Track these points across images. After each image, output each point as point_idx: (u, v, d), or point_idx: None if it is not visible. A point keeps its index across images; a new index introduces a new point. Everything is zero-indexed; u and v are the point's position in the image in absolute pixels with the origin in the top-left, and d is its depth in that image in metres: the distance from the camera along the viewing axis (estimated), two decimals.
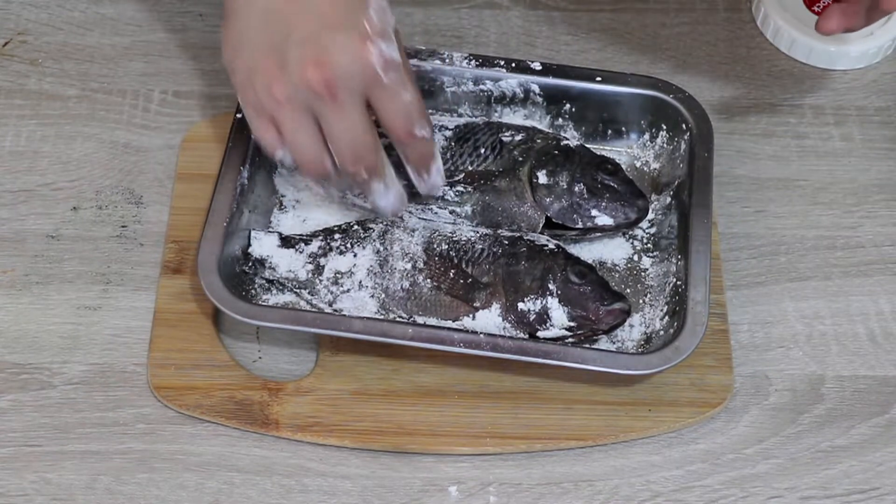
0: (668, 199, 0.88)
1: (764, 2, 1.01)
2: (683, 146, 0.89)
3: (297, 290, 0.84)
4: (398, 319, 0.82)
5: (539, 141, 0.87)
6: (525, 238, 0.83)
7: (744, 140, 0.95)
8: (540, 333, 0.81)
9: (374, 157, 0.79)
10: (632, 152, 0.92)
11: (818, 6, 1.00)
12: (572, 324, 0.81)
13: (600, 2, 1.03)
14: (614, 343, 0.83)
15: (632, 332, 0.84)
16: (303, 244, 0.84)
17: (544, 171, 0.85)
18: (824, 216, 0.92)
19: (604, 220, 0.85)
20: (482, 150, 0.87)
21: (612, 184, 0.86)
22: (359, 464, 0.80)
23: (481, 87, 0.91)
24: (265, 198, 0.87)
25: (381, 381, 0.82)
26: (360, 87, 0.76)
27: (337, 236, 0.84)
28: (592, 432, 0.80)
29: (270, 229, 0.87)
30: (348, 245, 0.84)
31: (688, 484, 0.80)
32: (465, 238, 0.83)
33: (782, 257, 0.89)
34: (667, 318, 0.82)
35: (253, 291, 0.84)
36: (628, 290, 0.86)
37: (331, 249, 0.84)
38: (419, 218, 0.86)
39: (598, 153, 0.88)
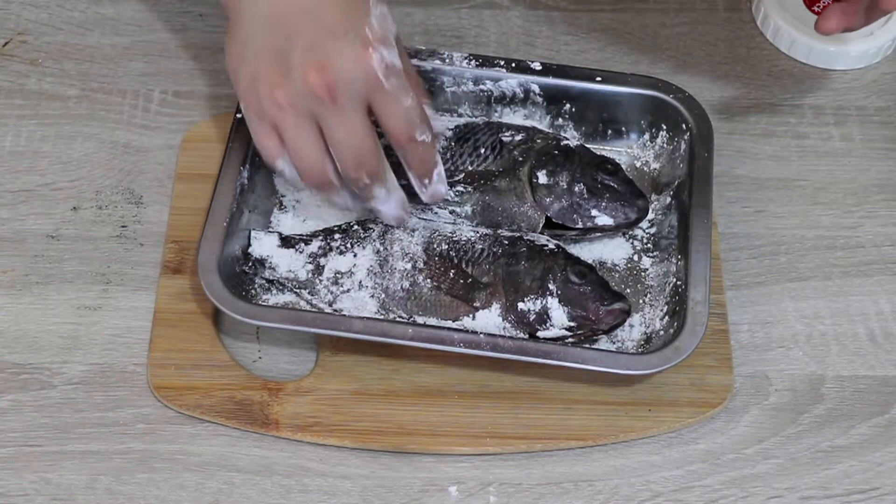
0: (668, 199, 0.88)
1: (764, 2, 1.01)
2: (683, 146, 0.89)
3: (297, 290, 0.84)
4: (398, 319, 0.82)
5: (539, 141, 0.87)
6: (525, 238, 0.83)
7: (744, 140, 0.95)
8: (540, 333, 0.81)
9: (376, 161, 0.79)
10: (632, 152, 0.92)
11: (818, 6, 1.00)
12: (572, 324, 0.81)
13: (600, 2, 1.03)
14: (614, 343, 0.83)
15: (632, 332, 0.84)
16: (303, 244, 0.84)
17: (544, 171, 0.85)
18: (824, 216, 0.92)
19: (604, 220, 0.85)
20: (482, 150, 0.87)
21: (612, 184, 0.86)
22: (359, 464, 0.80)
23: (481, 87, 0.91)
24: (265, 198, 0.87)
25: (381, 381, 0.82)
26: (361, 92, 0.77)
27: (337, 236, 0.84)
28: (592, 432, 0.80)
29: (270, 229, 0.87)
30: (348, 245, 0.84)
31: (688, 484, 0.80)
32: (465, 238, 0.83)
33: (782, 257, 0.89)
34: (667, 318, 0.82)
35: (253, 291, 0.84)
36: (628, 290, 0.86)
37: (331, 249, 0.84)
38: (419, 218, 0.86)
39: (598, 153, 0.88)
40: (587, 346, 0.82)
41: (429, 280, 0.82)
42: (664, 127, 0.90)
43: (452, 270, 0.82)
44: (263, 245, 0.84)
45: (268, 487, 0.79)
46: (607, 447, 0.81)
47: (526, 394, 0.82)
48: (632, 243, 0.88)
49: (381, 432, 0.80)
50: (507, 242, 0.83)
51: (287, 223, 0.88)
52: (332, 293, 0.83)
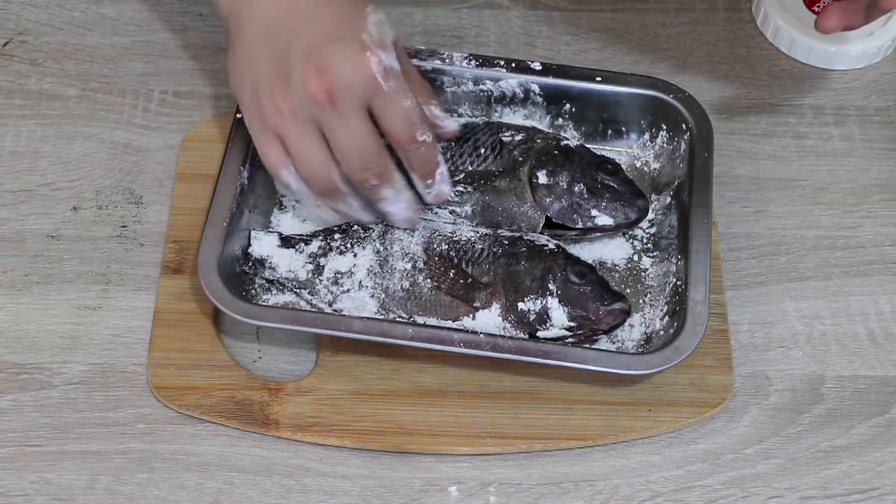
0: (668, 199, 0.88)
1: (764, 2, 1.01)
2: (683, 146, 0.89)
3: (297, 290, 0.84)
4: (398, 319, 0.82)
5: (539, 141, 0.87)
6: (525, 238, 0.83)
7: (744, 140, 0.95)
8: (540, 333, 0.81)
9: (381, 161, 0.80)
10: (632, 152, 0.92)
11: (818, 6, 1.00)
12: (572, 324, 0.81)
13: (600, 2, 1.03)
14: (614, 343, 0.83)
15: (632, 332, 0.84)
16: (303, 244, 0.84)
17: (544, 171, 0.85)
18: (824, 216, 0.92)
19: (604, 220, 0.85)
20: (482, 150, 0.87)
21: (612, 184, 0.86)
22: (359, 464, 0.80)
23: (481, 87, 0.91)
24: (265, 198, 0.87)
25: (381, 381, 0.82)
26: (361, 95, 0.77)
27: (337, 236, 0.84)
28: (592, 432, 0.80)
29: (270, 229, 0.87)
30: (348, 245, 0.84)
31: (688, 484, 0.80)
32: (465, 238, 0.83)
33: (782, 257, 0.89)
34: (667, 318, 0.82)
35: (253, 291, 0.84)
36: (628, 290, 0.86)
37: (331, 249, 0.84)
38: (419, 218, 0.85)
39: (598, 153, 0.88)
40: (587, 346, 0.82)
41: (429, 280, 0.82)
42: (664, 127, 0.90)
43: (452, 270, 0.82)
44: (263, 245, 0.84)
45: (268, 487, 0.79)
46: (607, 447, 0.81)
47: (526, 394, 0.82)
48: (632, 243, 0.88)
49: (381, 432, 0.80)
50: (507, 242, 0.83)
51: (287, 223, 0.88)
52: (332, 293, 0.83)
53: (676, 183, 0.88)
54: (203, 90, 0.96)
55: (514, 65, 0.90)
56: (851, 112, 0.97)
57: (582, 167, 0.86)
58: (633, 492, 0.79)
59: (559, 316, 0.81)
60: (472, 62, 0.91)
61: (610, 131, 0.92)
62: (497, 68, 0.90)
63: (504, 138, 0.87)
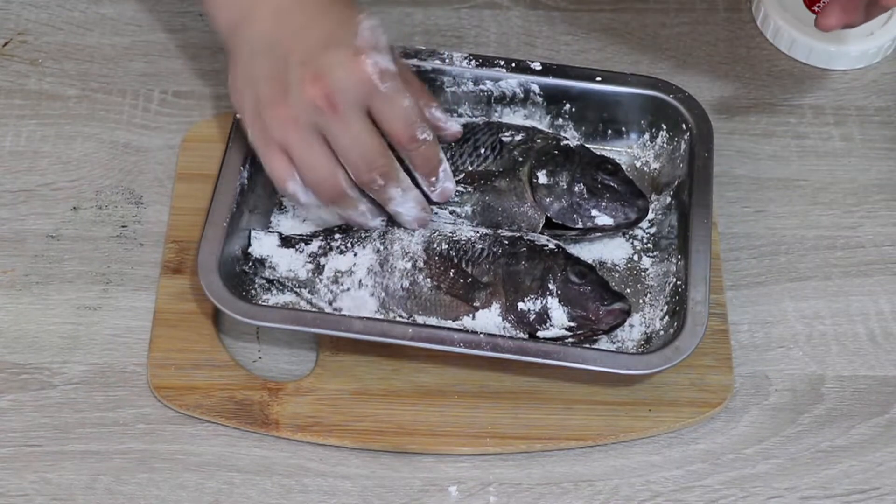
0: (668, 199, 0.88)
1: (764, 2, 1.01)
2: (683, 146, 0.89)
3: (297, 290, 0.84)
4: (398, 319, 0.82)
5: (539, 141, 0.87)
6: (525, 238, 0.83)
7: (744, 140, 0.95)
8: (540, 333, 0.81)
9: (385, 160, 0.80)
10: (632, 152, 0.92)
11: (818, 6, 1.00)
12: (572, 324, 0.81)
13: (600, 2, 1.03)
14: (614, 343, 0.83)
15: (632, 332, 0.84)
16: (303, 244, 0.84)
17: (544, 171, 0.85)
18: (824, 216, 0.92)
19: (604, 220, 0.85)
20: (482, 150, 0.87)
21: (612, 184, 0.86)
22: (359, 464, 0.80)
23: (481, 87, 0.91)
24: (265, 198, 0.87)
25: (381, 381, 0.82)
26: (359, 97, 0.78)
27: (337, 236, 0.84)
28: (592, 432, 0.80)
29: (270, 229, 0.87)
30: (348, 244, 0.84)
31: (688, 484, 0.80)
32: (465, 238, 0.83)
33: (782, 257, 0.89)
34: (667, 318, 0.82)
35: (253, 291, 0.84)
36: (628, 290, 0.86)
37: (331, 249, 0.84)
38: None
39: (598, 153, 0.88)
40: (587, 346, 0.81)
41: (429, 279, 0.82)
42: (664, 127, 0.90)
43: (452, 270, 0.82)
44: (263, 245, 0.84)
45: (268, 487, 0.79)
46: (607, 447, 0.81)
47: (526, 394, 0.82)
48: (632, 243, 0.88)
49: (381, 432, 0.80)
50: (507, 242, 0.83)
51: (287, 223, 0.88)
52: (332, 292, 0.83)
53: (676, 183, 0.88)
54: (203, 90, 0.96)
55: (514, 65, 0.90)
56: (851, 112, 0.97)
57: (582, 167, 0.86)
58: (633, 492, 0.79)
59: (559, 316, 0.81)
60: (472, 62, 0.91)
61: (610, 131, 0.92)
62: (497, 68, 0.90)
63: (504, 138, 0.87)
